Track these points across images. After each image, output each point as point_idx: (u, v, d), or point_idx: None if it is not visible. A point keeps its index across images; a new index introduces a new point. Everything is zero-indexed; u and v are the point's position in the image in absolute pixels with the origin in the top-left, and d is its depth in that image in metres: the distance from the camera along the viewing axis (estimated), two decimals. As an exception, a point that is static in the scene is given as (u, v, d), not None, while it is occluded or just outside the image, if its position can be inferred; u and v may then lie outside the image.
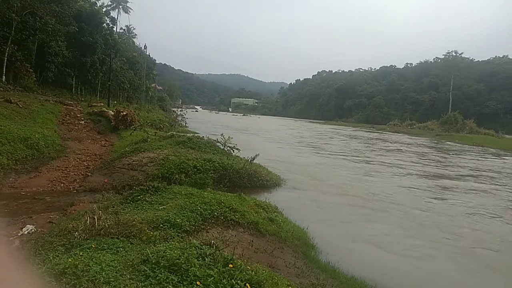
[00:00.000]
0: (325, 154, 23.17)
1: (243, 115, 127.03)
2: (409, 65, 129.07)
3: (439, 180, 16.02)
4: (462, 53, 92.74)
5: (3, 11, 19.78)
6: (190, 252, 3.62)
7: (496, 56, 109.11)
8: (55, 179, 9.70)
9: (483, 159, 26.64)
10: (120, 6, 63.79)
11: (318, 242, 6.59)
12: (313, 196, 11.04)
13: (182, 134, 15.84)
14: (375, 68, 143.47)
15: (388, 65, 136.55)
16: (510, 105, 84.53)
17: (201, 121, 49.71)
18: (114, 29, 50.00)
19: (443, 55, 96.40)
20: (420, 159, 24.16)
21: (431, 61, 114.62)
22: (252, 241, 5.46)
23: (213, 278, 3.24)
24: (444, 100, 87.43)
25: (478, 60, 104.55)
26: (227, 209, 6.14)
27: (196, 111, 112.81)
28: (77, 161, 12.09)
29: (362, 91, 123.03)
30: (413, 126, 77.10)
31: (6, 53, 22.69)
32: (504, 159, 27.70)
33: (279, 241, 5.94)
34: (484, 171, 19.62)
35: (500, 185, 15.39)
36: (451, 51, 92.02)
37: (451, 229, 8.66)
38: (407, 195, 12.08)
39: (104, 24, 40.93)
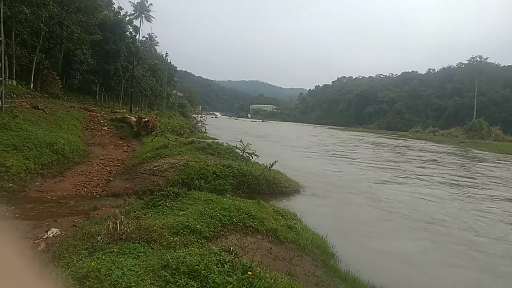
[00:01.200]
0: (357, 163, 21.81)
1: (262, 121, 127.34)
2: (431, 70, 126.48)
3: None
4: (487, 58, 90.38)
5: (32, 22, 20.57)
6: (209, 258, 3.64)
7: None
8: (79, 183, 9.96)
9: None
10: (143, 15, 65.41)
11: (338, 251, 6.50)
12: (335, 204, 10.91)
13: (202, 140, 16.00)
14: (396, 74, 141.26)
15: (410, 71, 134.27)
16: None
17: (220, 127, 50.08)
18: (137, 37, 51.22)
19: (467, 60, 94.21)
20: (465, 172, 21.23)
21: (454, 67, 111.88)
22: (271, 248, 5.43)
23: (232, 285, 3.25)
24: (469, 106, 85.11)
25: (504, 65, 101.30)
26: (246, 215, 6.14)
27: (216, 117, 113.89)
28: (100, 166, 12.38)
29: (383, 97, 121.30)
30: (436, 133, 75.41)
31: (35, 62, 23.56)
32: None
33: (298, 249, 5.89)
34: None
35: None
36: (475, 56, 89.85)
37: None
38: (470, 219, 10.16)
39: (127, 33, 42.02)
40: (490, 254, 7.50)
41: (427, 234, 8.55)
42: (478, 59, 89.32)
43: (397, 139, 61.19)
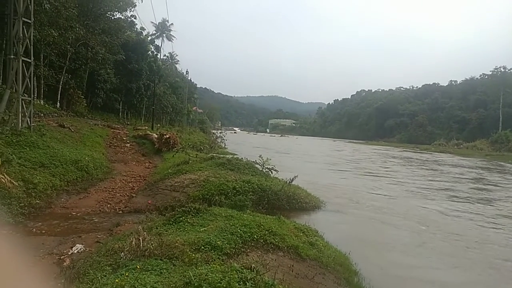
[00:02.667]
0: (397, 183, 18.98)
1: (281, 135, 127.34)
2: (453, 82, 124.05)
3: None
4: (511, 69, 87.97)
5: (59, 44, 21.53)
6: (231, 275, 3.62)
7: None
8: (102, 200, 10.17)
9: None
10: (164, 35, 67.28)
11: (361, 269, 6.35)
12: (359, 220, 10.71)
13: (222, 155, 16.10)
14: (417, 87, 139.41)
15: (431, 83, 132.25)
16: None
17: (239, 143, 50.25)
18: (158, 56, 52.65)
19: (490, 71, 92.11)
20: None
21: (477, 78, 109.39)
22: (293, 265, 5.35)
23: (254, 303, 3.22)
24: (494, 118, 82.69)
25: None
26: (266, 232, 6.10)
27: (235, 132, 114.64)
28: (122, 183, 12.62)
29: (403, 110, 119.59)
30: (460, 146, 73.52)
31: (61, 82, 24.54)
32: None
33: (320, 266, 5.78)
34: None
35: None
36: (499, 67, 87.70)
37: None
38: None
39: (149, 52, 43.33)
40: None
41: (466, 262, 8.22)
42: (502, 70, 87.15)
43: (422, 152, 59.77)
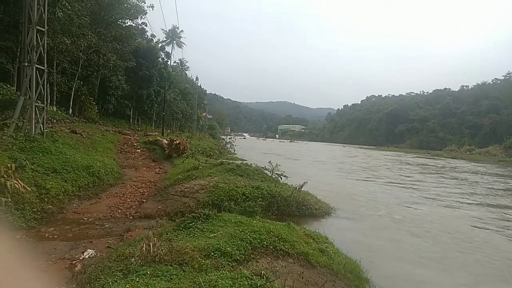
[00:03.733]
0: (430, 196, 16.97)
1: (290, 141, 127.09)
2: (465, 87, 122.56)
3: None
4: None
5: (72, 51, 21.92)
6: (241, 282, 3.62)
7: None
8: (113, 205, 10.26)
9: None
10: (174, 42, 67.96)
11: (372, 276, 6.27)
12: (368, 228, 10.60)
13: (231, 161, 16.13)
14: (427, 92, 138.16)
15: (442, 88, 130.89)
16: None
17: (249, 148, 50.33)
18: (169, 62, 53.18)
19: (502, 76, 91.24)
20: None
21: (489, 83, 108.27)
22: (303, 272, 5.32)
23: (264, 310, 3.20)
24: (507, 123, 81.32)
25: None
26: (276, 238, 6.08)
27: (244, 138, 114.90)
28: (133, 188, 12.72)
29: (414, 116, 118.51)
30: (473, 151, 72.48)
31: (73, 88, 24.93)
32: None
33: (331, 273, 5.73)
34: None
35: None
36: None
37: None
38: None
39: (160, 59, 43.78)
40: None
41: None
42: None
43: (434, 159, 58.94)
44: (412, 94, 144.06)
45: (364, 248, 8.10)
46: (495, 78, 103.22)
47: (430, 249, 8.77)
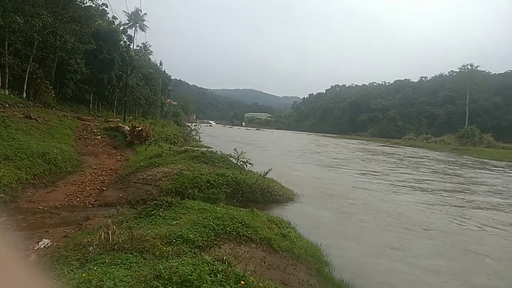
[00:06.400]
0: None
1: (256, 129, 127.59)
2: (423, 78, 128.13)
3: None
4: (477, 66, 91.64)
5: (25, 31, 20.56)
6: (202, 268, 3.61)
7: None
8: (71, 193, 9.87)
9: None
10: (137, 24, 65.65)
11: (331, 259, 6.49)
12: (327, 211, 10.91)
13: (196, 149, 15.97)
14: (389, 82, 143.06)
15: (402, 79, 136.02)
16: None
17: (215, 136, 49.98)
18: (131, 46, 51.27)
19: (458, 68, 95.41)
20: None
21: (446, 75, 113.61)
22: (265, 257, 5.40)
23: (225, 295, 3.23)
24: (461, 114, 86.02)
25: (495, 73, 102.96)
26: (239, 224, 6.12)
27: (210, 125, 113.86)
28: (93, 176, 12.28)
29: (376, 105, 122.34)
30: (429, 140, 76.08)
31: (28, 71, 23.48)
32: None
33: (292, 257, 5.87)
34: None
35: None
36: (467, 64, 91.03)
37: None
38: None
39: (121, 42, 42.08)
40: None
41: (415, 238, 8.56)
42: (469, 67, 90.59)
43: (394, 147, 61.31)
44: (375, 84, 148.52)
45: (325, 232, 8.36)
46: (451, 70, 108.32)
47: (387, 233, 9.18)
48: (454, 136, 71.57)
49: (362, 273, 6.25)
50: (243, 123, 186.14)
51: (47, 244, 6.00)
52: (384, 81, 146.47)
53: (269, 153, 31.91)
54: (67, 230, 6.82)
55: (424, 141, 75.85)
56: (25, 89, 23.87)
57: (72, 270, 3.83)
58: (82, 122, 23.77)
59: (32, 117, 16.45)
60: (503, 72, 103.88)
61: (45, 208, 8.38)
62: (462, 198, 14.75)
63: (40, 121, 16.40)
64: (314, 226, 8.77)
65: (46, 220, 7.54)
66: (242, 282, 3.50)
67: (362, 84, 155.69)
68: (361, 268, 6.53)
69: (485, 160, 39.17)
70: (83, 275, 3.43)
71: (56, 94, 28.75)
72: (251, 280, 3.62)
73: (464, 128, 72.66)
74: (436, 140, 72.80)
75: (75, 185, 10.83)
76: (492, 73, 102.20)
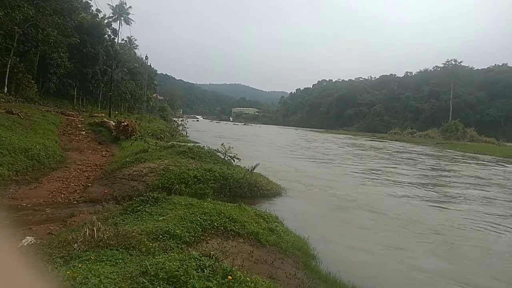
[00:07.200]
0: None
1: (244, 124, 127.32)
2: (409, 74, 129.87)
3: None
4: (461, 62, 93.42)
5: (5, 24, 20.01)
6: (189, 263, 3.59)
7: (495, 65, 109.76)
8: (55, 190, 9.69)
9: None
10: (122, 18, 64.49)
11: (318, 253, 6.54)
12: (315, 206, 10.99)
13: (183, 144, 15.84)
14: (375, 77, 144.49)
15: (388, 74, 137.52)
16: (510, 113, 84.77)
17: (202, 131, 49.68)
18: (116, 40, 50.44)
19: (442, 63, 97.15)
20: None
21: (431, 70, 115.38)
22: (252, 251, 5.42)
23: (212, 290, 3.22)
24: (445, 108, 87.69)
25: (478, 69, 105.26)
26: (227, 219, 6.11)
27: (197, 120, 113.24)
28: (77, 172, 12.08)
29: (362, 100, 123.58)
30: (414, 134, 77.23)
31: (9, 65, 22.88)
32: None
33: (280, 251, 5.89)
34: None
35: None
36: (451, 60, 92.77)
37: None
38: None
39: (106, 36, 41.36)
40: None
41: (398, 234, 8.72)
42: (453, 63, 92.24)
43: (380, 141, 62.13)
44: (361, 79, 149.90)
45: (312, 226, 8.42)
46: (435, 66, 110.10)
47: (375, 226, 9.31)
48: (438, 131, 72.84)
49: (349, 266, 6.32)
50: (231, 118, 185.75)
51: (31, 241, 5.88)
52: (370, 76, 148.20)
53: (257, 148, 31.90)
54: (51, 227, 6.70)
55: (409, 135, 76.94)
56: (6, 83, 23.26)
57: (57, 268, 3.76)
58: (66, 117, 23.33)
59: (14, 112, 16.05)
60: (485, 67, 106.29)
61: (29, 205, 8.21)
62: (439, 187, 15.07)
63: (22, 116, 16.02)
64: (302, 220, 8.82)
65: (29, 217, 7.39)
66: (229, 277, 3.49)
67: (349, 79, 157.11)
68: (349, 262, 6.60)
69: (471, 154, 39.98)
70: (68, 272, 3.38)
71: (39, 88, 28.12)
72: (238, 275, 3.61)
73: (448, 122, 74.01)
74: (421, 135, 73.97)
75: (59, 181, 10.63)
76: (475, 68, 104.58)
